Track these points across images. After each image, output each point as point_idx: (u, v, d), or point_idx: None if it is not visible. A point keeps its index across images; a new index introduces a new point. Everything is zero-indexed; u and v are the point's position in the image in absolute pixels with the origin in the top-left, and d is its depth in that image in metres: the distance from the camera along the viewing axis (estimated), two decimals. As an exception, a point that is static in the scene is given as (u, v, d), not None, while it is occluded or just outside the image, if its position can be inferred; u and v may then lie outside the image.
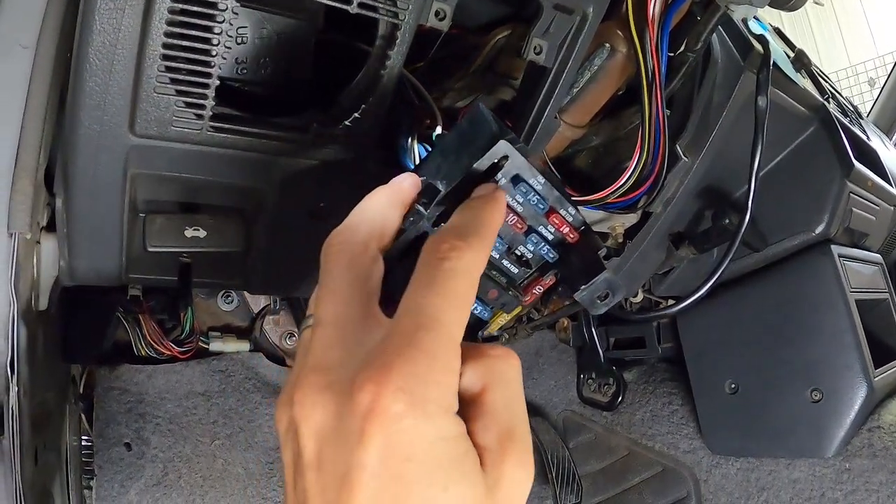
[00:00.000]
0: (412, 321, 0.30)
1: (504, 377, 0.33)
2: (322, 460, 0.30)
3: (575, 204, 0.43)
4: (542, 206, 0.41)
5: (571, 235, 0.43)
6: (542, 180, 0.41)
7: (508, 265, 0.44)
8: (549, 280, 0.45)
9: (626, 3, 0.70)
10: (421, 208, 0.40)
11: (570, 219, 0.42)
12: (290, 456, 0.32)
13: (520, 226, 0.42)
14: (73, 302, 0.99)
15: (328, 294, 0.34)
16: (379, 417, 0.28)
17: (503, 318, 0.46)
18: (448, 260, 0.32)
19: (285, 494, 0.33)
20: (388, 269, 0.37)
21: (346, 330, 0.32)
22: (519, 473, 0.31)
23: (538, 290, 0.46)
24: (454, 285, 0.32)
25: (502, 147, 0.38)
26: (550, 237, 0.43)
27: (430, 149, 0.58)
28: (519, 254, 0.44)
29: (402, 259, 0.39)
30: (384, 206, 0.38)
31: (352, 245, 0.36)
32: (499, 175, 0.39)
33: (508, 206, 0.41)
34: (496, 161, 0.39)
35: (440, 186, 0.40)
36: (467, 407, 0.32)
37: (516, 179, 0.40)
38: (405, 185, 0.40)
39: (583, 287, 0.43)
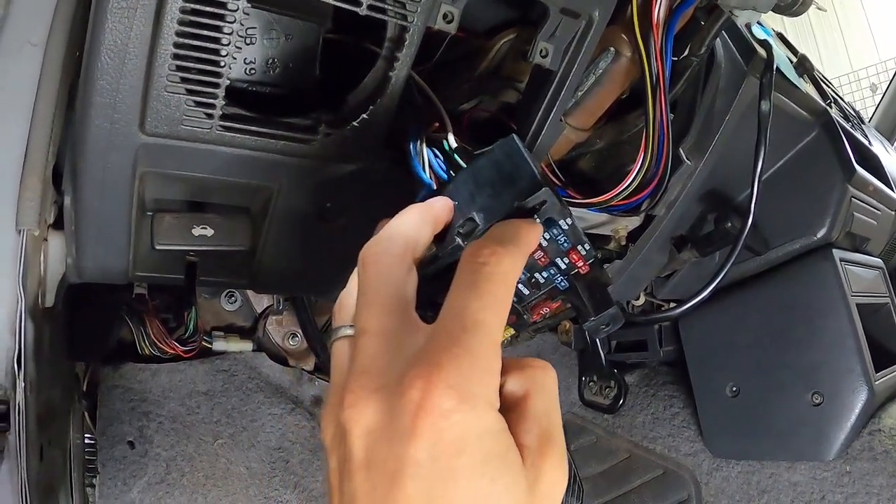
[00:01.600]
0: (456, 323, 0.32)
1: (544, 386, 0.35)
2: (372, 460, 0.30)
3: (584, 237, 0.44)
4: (566, 245, 0.43)
5: (583, 268, 0.45)
6: (571, 221, 0.43)
7: (521, 288, 0.46)
8: (555, 304, 0.47)
9: (631, 7, 0.71)
10: (459, 240, 0.42)
11: (584, 253, 0.44)
12: (336, 462, 0.33)
13: (543, 260, 0.44)
14: (78, 300, 0.99)
15: (369, 304, 0.35)
16: (430, 414, 0.29)
17: (509, 332, 0.49)
18: (488, 264, 0.34)
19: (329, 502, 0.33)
20: (421, 286, 0.38)
21: (390, 336, 0.34)
22: (556, 474, 0.32)
23: (545, 311, 0.48)
24: (494, 289, 0.33)
25: (543, 194, 0.41)
26: (564, 267, 0.45)
27: (438, 153, 0.58)
28: (532, 278, 0.46)
29: (433, 280, 0.41)
30: (417, 223, 0.40)
31: (389, 256, 0.37)
32: (535, 217, 0.41)
33: (538, 244, 0.43)
34: (535, 205, 0.41)
35: (478, 220, 0.42)
36: (510, 411, 0.33)
37: (549, 221, 0.42)
38: (437, 206, 0.42)
39: (592, 319, 0.46)
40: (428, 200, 0.42)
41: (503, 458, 0.30)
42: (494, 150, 0.44)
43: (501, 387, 0.34)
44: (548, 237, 0.43)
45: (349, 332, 0.37)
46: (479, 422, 0.30)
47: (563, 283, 0.45)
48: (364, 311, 0.35)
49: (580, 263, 0.44)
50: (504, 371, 0.34)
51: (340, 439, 0.32)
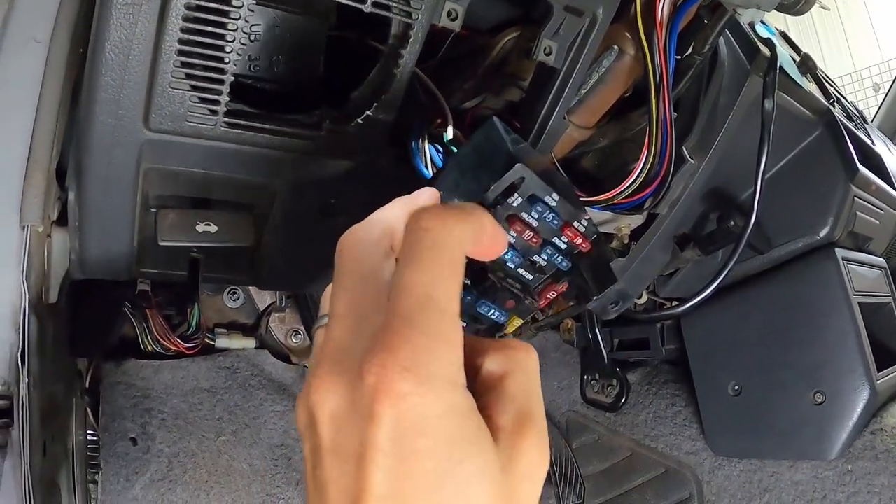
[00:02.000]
0: (405, 301, 0.30)
1: (523, 366, 0.34)
2: (338, 444, 0.30)
3: (586, 211, 0.43)
4: (556, 222, 0.43)
5: (584, 245, 0.44)
6: (557, 197, 0.42)
7: (523, 273, 0.45)
8: (562, 286, 0.46)
9: (634, 5, 0.71)
10: None
11: (583, 230, 0.44)
12: (309, 448, 0.32)
13: (536, 240, 0.43)
14: (81, 296, 1.00)
15: (342, 289, 0.35)
16: (387, 397, 0.28)
17: (518, 321, 0.48)
18: (432, 230, 0.32)
19: (306, 490, 0.33)
20: None
21: (359, 321, 0.33)
22: (534, 454, 0.31)
23: (552, 294, 0.47)
24: (440, 259, 0.31)
25: (519, 170, 0.40)
26: (563, 247, 0.44)
27: (440, 149, 0.58)
28: (533, 261, 0.45)
29: None
30: (399, 213, 0.39)
31: (365, 242, 0.37)
32: (515, 195, 0.40)
33: (525, 223, 0.42)
34: (513, 182, 0.40)
35: None
36: (488, 393, 0.33)
37: (533, 198, 0.41)
38: (422, 198, 0.41)
39: (596, 297, 0.45)
40: (414, 192, 0.41)
41: (470, 439, 0.30)
42: (476, 136, 0.44)
43: (480, 367, 0.34)
44: (535, 216, 0.42)
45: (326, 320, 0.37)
46: (439, 402, 0.29)
47: (564, 264, 0.44)
48: (336, 296, 0.35)
49: (579, 241, 0.44)
50: (483, 352, 0.34)
51: (311, 426, 0.32)
